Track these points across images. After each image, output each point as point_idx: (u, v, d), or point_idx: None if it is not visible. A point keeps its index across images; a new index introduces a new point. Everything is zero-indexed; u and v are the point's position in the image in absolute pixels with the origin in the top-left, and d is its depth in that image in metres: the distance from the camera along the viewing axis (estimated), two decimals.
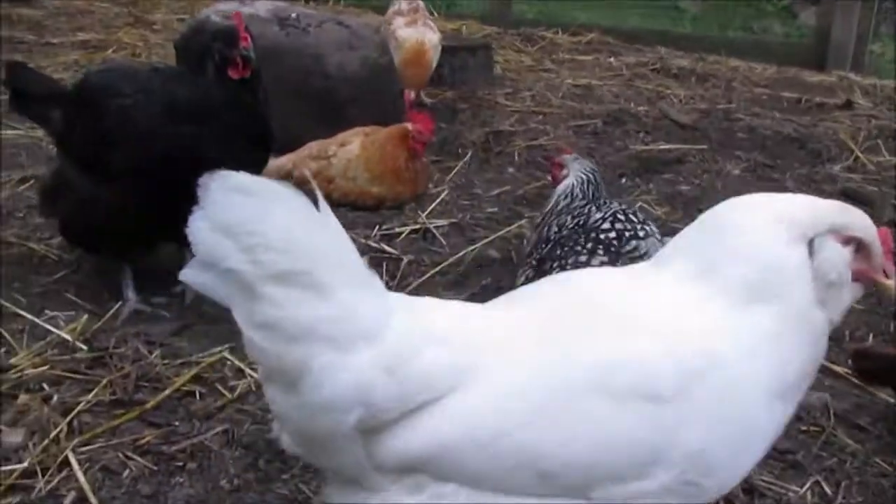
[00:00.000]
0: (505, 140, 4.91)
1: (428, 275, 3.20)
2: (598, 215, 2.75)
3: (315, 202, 1.35)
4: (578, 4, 11.12)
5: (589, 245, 2.61)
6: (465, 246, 3.45)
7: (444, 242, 3.48)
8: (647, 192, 4.17)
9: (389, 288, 3.07)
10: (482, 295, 3.02)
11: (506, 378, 1.36)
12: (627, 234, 2.65)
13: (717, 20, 11.07)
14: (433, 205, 3.81)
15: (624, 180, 4.41)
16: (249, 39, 2.52)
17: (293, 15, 4.59)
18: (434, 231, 3.56)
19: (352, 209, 3.82)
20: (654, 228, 2.72)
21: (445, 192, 4.04)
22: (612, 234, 2.65)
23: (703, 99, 6.13)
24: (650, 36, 8.58)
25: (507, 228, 3.59)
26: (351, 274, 1.36)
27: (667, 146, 4.89)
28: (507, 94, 5.87)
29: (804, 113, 5.91)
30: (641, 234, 2.65)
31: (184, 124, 2.56)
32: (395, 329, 1.35)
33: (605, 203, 2.87)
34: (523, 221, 3.67)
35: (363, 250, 3.37)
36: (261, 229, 1.28)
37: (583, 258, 2.58)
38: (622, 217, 2.71)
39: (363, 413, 1.31)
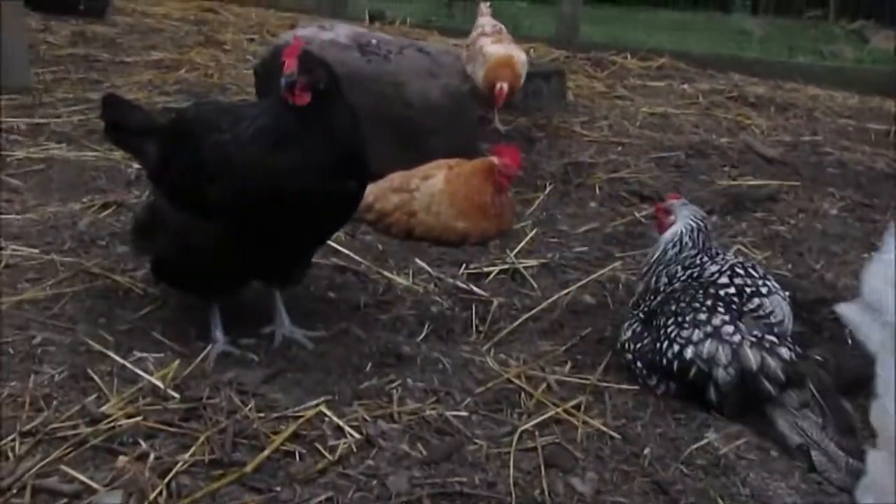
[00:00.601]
0: (584, 172, 4.76)
1: (520, 320, 3.05)
2: (714, 268, 2.59)
3: None
4: (643, 27, 10.98)
5: (708, 302, 2.44)
6: (556, 289, 3.29)
7: (534, 285, 3.33)
8: (741, 233, 3.97)
9: (479, 333, 3.00)
10: (582, 346, 2.86)
11: None
12: (748, 290, 2.49)
13: (784, 43, 10.81)
14: (521, 244, 3.66)
15: (714, 218, 4.22)
16: (295, 65, 2.38)
17: (373, 41, 4.50)
18: (524, 272, 3.41)
19: (433, 244, 3.69)
20: (776, 284, 2.54)
21: (530, 229, 3.89)
22: (732, 290, 2.49)
23: (787, 130, 5.92)
24: (721, 61, 8.41)
25: (601, 271, 3.42)
26: None
27: (756, 182, 4.70)
28: (582, 123, 5.73)
29: (895, 147, 5.67)
30: (764, 290, 2.48)
31: (279, 159, 2.45)
32: None
33: (717, 254, 2.70)
34: (617, 264, 3.50)
35: (451, 291, 3.24)
36: None
37: (702, 315, 2.42)
38: (741, 271, 2.55)
39: None
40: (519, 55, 5.15)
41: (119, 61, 6.34)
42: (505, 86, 4.90)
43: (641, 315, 2.66)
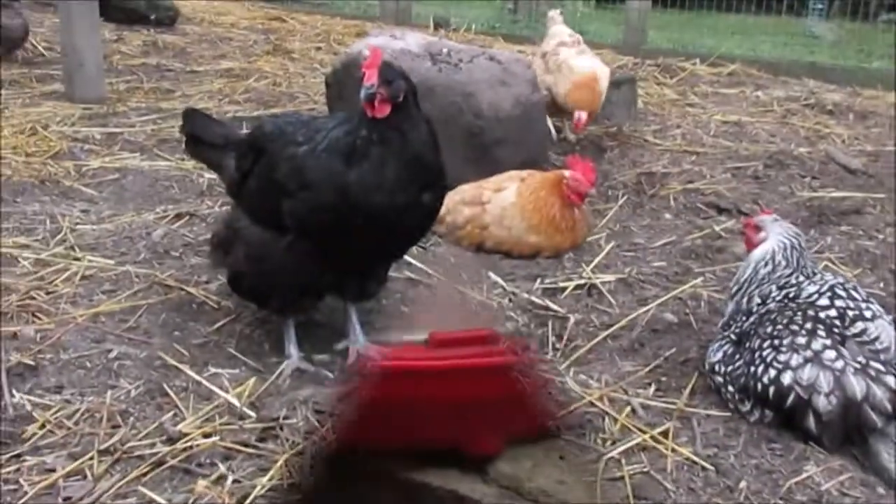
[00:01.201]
0: (658, 182, 4.63)
1: (598, 338, 2.95)
2: (812, 289, 2.44)
3: None
4: (710, 32, 10.73)
5: (808, 325, 2.30)
6: (635, 305, 3.18)
7: (612, 301, 3.22)
8: (827, 248, 3.80)
9: (556, 351, 2.90)
10: (666, 367, 2.74)
11: None
12: (851, 313, 2.34)
13: (857, 48, 10.45)
14: (597, 258, 3.55)
15: None
16: (375, 76, 2.32)
17: (444, 50, 4.44)
18: (600, 287, 3.31)
19: (505, 257, 3.61)
20: (880, 308, 2.39)
21: (605, 241, 3.79)
22: (833, 313, 2.34)
23: (868, 139, 5.69)
24: (794, 67, 8.17)
25: (681, 288, 3.29)
26: None
27: (839, 194, 4.50)
28: (654, 132, 5.59)
29: None
30: (868, 314, 2.33)
31: (354, 173, 2.39)
32: None
33: (814, 274, 2.56)
34: (698, 280, 3.37)
35: (526, 306, 3.15)
36: None
37: (801, 339, 2.28)
38: (842, 293, 2.40)
39: None
40: (602, 70, 4.97)
41: (189, 70, 6.42)
42: (584, 115, 4.76)
43: (732, 336, 2.53)
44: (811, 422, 2.23)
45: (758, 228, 2.74)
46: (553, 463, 2.05)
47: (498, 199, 3.69)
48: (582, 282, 3.35)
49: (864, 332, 2.30)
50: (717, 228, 4.00)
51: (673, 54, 8.25)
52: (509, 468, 2.00)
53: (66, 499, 1.95)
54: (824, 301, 2.39)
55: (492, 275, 3.38)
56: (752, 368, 2.34)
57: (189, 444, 2.14)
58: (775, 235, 2.66)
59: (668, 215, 4.26)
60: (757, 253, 2.68)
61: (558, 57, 4.98)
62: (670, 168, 4.84)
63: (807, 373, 2.23)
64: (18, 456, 2.12)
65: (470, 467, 1.99)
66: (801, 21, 12.18)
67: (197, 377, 2.49)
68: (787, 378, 2.25)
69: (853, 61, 9.27)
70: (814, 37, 11.34)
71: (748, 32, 10.90)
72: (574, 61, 4.93)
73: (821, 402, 2.21)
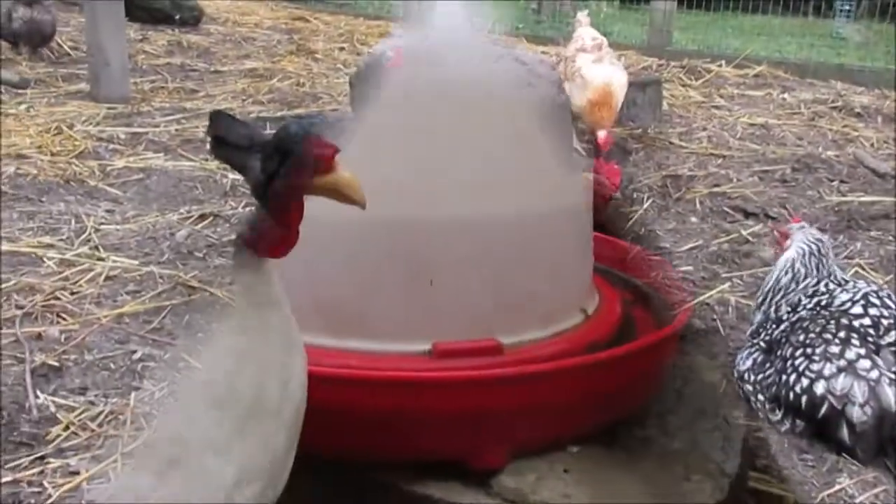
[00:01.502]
0: (684, 185, 4.59)
1: None
2: (845, 297, 2.39)
3: None
4: (735, 33, 10.65)
5: (842, 333, 2.25)
6: None
7: None
8: (856, 254, 3.73)
9: None
10: None
11: None
12: (885, 322, 2.28)
13: (885, 49, 10.31)
14: None
15: (826, 237, 3.98)
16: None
17: None
18: None
19: None
20: None
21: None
22: (867, 322, 2.29)
23: None
24: (821, 69, 8.08)
25: (708, 293, 3.24)
26: None
27: (868, 198, 4.43)
28: (680, 134, 5.55)
29: None
30: None
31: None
32: None
33: (846, 281, 2.50)
34: (725, 286, 3.32)
35: None
36: None
37: (834, 348, 2.23)
38: (876, 301, 2.34)
39: None
40: (619, 78, 4.78)
41: (213, 70, 6.45)
42: (607, 134, 4.71)
43: (762, 344, 2.48)
44: (844, 432, 2.18)
45: (786, 236, 2.69)
46: (557, 476, 2.01)
47: None
48: None
49: None
50: (744, 233, 3.95)
51: (698, 55, 8.18)
52: (513, 481, 1.96)
53: (90, 502, 1.95)
54: (858, 309, 2.33)
55: None
56: (784, 377, 2.29)
57: None
58: (797, 243, 2.60)
59: (694, 219, 4.22)
60: (780, 262, 2.63)
61: (574, 64, 4.89)
62: (696, 171, 4.80)
63: (840, 382, 2.18)
64: (42, 458, 2.12)
65: (473, 480, 1.96)
66: (827, 22, 12.06)
67: None
68: (820, 387, 2.20)
69: (881, 63, 9.15)
70: (841, 38, 11.22)
71: (774, 34, 10.81)
72: (588, 71, 4.75)
73: (855, 413, 2.16)
